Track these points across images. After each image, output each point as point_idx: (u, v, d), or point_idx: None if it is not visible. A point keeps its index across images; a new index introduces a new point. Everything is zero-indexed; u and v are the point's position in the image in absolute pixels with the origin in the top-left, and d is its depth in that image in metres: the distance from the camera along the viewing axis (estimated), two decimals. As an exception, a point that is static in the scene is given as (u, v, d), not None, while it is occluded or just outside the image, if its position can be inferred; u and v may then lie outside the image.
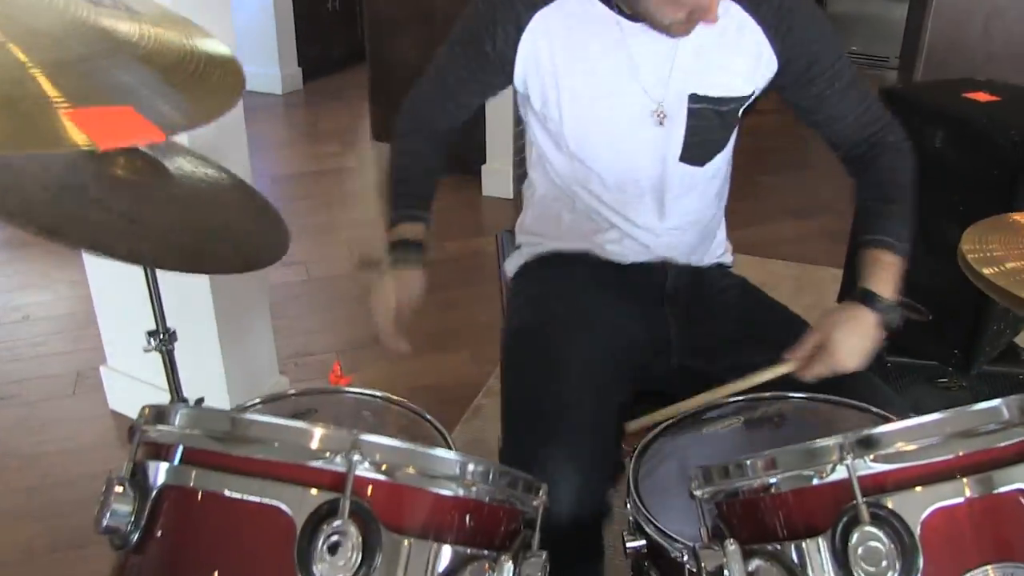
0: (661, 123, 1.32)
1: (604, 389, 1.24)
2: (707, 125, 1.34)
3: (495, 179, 3.83)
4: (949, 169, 2.06)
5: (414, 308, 1.30)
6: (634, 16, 1.25)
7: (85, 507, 1.08)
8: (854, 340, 1.17)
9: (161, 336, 1.44)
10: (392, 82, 4.15)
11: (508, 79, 1.35)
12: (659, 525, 0.87)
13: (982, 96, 2.18)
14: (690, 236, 1.45)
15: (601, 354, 1.28)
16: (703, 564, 0.68)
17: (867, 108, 1.33)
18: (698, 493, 0.75)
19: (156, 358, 1.45)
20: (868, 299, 1.20)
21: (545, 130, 1.41)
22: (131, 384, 2.33)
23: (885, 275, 1.23)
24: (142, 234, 1.15)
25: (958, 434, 0.62)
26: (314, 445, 0.63)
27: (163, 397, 1.08)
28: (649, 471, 1.02)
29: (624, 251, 1.43)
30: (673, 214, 1.40)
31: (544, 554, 0.74)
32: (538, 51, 1.31)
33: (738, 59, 1.29)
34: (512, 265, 1.55)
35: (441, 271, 2.40)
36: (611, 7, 1.26)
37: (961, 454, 0.62)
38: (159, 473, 0.67)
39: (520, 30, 1.29)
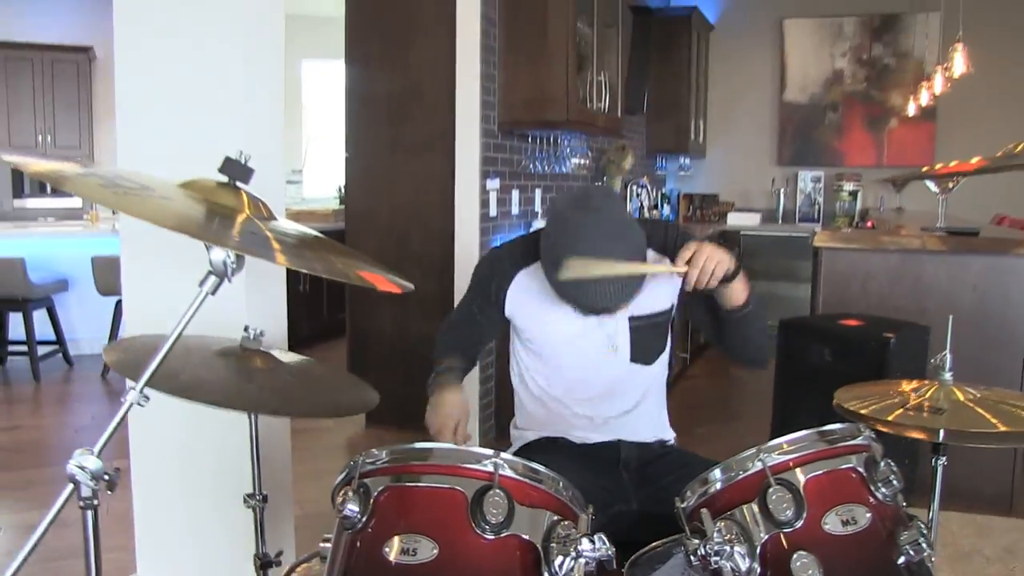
0: (615, 350, 1.91)
1: None
2: (646, 334, 1.93)
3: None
4: (832, 372, 2.69)
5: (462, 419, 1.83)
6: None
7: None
8: (718, 253, 1.67)
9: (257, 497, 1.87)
10: (369, 353, 4.73)
11: (501, 312, 1.95)
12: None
13: (852, 322, 2.90)
14: (638, 421, 1.98)
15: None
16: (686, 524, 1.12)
17: None
18: (682, 505, 1.21)
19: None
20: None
21: (528, 351, 1.98)
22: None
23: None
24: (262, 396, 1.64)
25: (818, 441, 1.12)
26: (472, 456, 1.08)
27: None
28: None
29: (588, 436, 1.96)
30: (619, 401, 1.95)
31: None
32: (519, 299, 1.93)
33: (658, 287, 1.91)
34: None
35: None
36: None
37: (819, 450, 1.11)
38: (377, 482, 1.10)
39: (508, 281, 1.94)
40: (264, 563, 1.88)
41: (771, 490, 1.06)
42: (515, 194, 4.61)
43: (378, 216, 4.64)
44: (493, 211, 4.36)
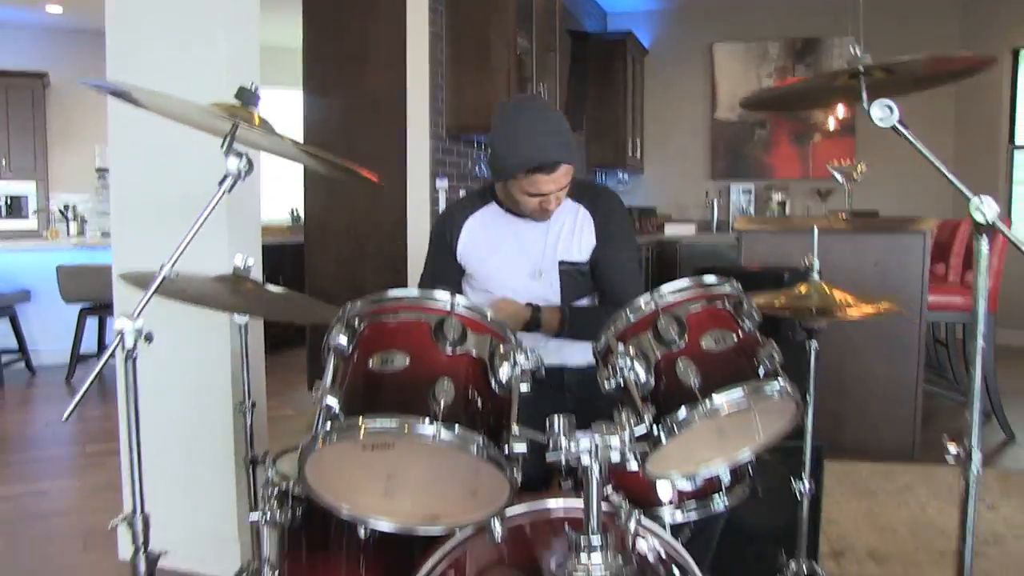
0: (542, 277, 2.26)
1: None
2: (575, 280, 2.28)
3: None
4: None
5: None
6: (517, 214, 2.23)
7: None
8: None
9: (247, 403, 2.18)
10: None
11: (455, 257, 2.30)
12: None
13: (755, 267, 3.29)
14: (573, 349, 2.32)
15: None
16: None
17: (627, 289, 2.20)
18: (598, 346, 1.53)
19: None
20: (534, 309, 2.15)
21: (470, 286, 2.33)
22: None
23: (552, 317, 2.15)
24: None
25: (698, 287, 1.47)
26: (432, 296, 1.40)
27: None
28: None
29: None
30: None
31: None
32: (467, 240, 2.28)
33: (581, 236, 2.27)
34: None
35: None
36: (506, 211, 2.26)
37: (699, 293, 1.46)
38: (361, 321, 1.42)
39: (459, 229, 2.28)
40: (253, 461, 2.18)
41: (661, 320, 1.41)
42: (462, 194, 4.97)
43: (336, 222, 4.97)
44: (442, 208, 4.71)
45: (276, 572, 1.87)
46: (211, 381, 2.73)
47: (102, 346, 6.53)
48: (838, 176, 4.72)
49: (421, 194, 4.61)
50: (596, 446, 1.26)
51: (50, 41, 9.04)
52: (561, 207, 2.24)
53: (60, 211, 9.03)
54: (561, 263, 2.25)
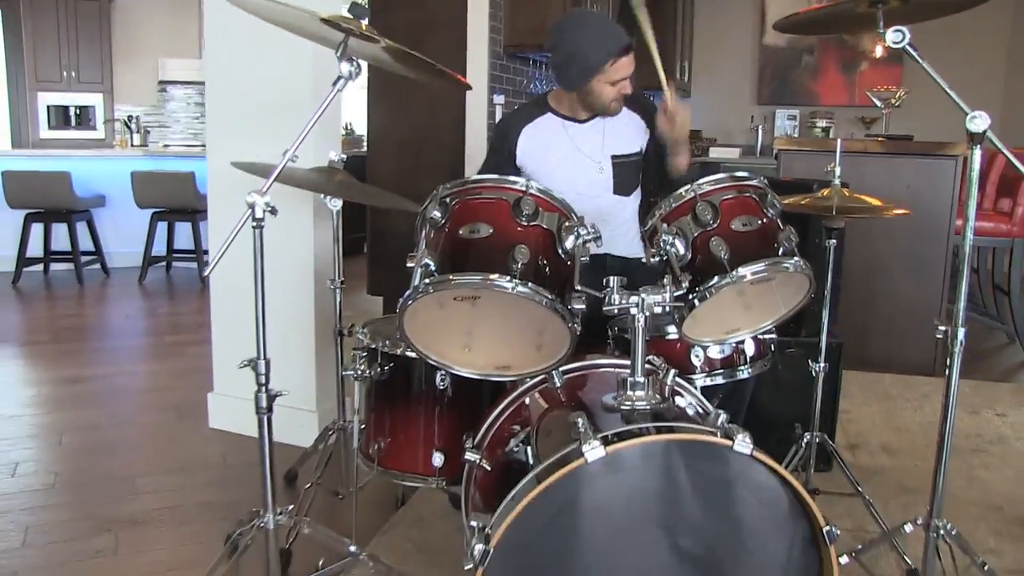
0: (601, 172, 2.54)
1: None
2: (624, 171, 2.56)
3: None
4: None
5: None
6: (577, 120, 2.51)
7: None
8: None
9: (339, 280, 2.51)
10: (386, 265, 5.34)
11: (514, 160, 2.58)
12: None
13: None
14: (620, 240, 2.62)
15: None
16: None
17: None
18: (644, 228, 1.83)
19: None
20: None
21: None
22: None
23: None
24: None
25: (730, 179, 1.75)
26: (511, 180, 1.71)
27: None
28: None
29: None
30: (608, 227, 2.58)
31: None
32: (525, 145, 2.55)
33: (633, 134, 2.54)
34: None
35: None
36: (562, 119, 2.52)
37: (730, 184, 1.74)
38: (453, 198, 1.72)
39: (517, 135, 2.56)
40: (340, 333, 2.52)
41: (699, 205, 1.69)
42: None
43: (396, 135, 5.24)
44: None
45: (363, 423, 2.22)
46: (295, 262, 3.05)
47: (171, 249, 6.93)
48: (877, 102, 4.90)
49: (479, 109, 4.86)
50: (643, 300, 1.55)
51: (116, -44, 9.31)
52: (629, 117, 2.53)
53: (124, 122, 9.43)
54: (614, 156, 2.52)
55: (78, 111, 9.36)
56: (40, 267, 6.76)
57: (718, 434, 1.37)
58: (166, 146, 9.25)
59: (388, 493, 2.68)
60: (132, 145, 8.87)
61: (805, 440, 2.42)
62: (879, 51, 7.79)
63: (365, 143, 5.71)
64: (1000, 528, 2.60)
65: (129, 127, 9.37)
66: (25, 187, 6.24)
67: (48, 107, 9.23)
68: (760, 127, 8.54)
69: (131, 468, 3.00)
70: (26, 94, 9.24)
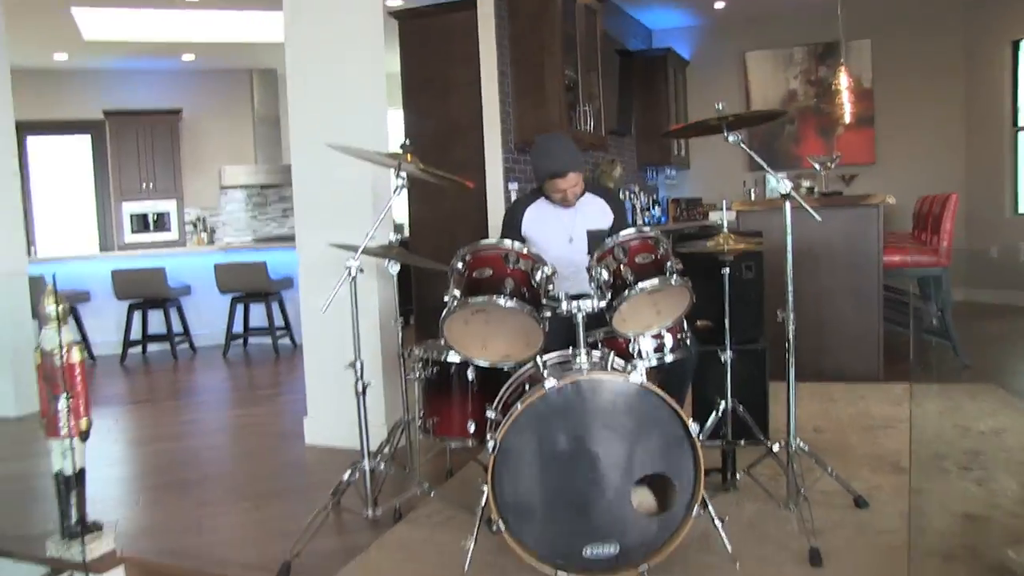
0: (571, 243, 3.68)
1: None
2: (595, 238, 3.70)
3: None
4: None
5: None
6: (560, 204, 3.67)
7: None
8: None
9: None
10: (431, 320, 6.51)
11: (520, 232, 3.74)
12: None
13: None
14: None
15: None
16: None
17: None
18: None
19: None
20: None
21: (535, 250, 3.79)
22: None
23: None
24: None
25: (638, 235, 2.87)
26: (504, 242, 2.85)
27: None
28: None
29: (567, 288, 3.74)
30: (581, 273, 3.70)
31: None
32: (528, 221, 3.72)
33: (602, 217, 3.70)
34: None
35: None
36: (551, 202, 3.67)
37: (640, 236, 2.86)
38: (470, 255, 2.88)
39: (524, 213, 3.73)
40: (401, 355, 3.66)
41: (616, 249, 2.82)
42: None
43: (434, 222, 6.47)
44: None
45: (421, 409, 3.34)
46: (367, 310, 4.18)
47: (247, 328, 8.17)
48: (816, 165, 6.02)
49: (497, 194, 6.07)
50: (579, 306, 2.69)
51: (183, 83, 10.83)
52: (589, 199, 3.69)
53: (192, 223, 10.84)
54: (588, 231, 3.68)
55: (156, 216, 10.78)
56: (139, 348, 8.04)
57: (627, 375, 2.48)
58: (228, 243, 10.61)
59: (440, 467, 3.79)
60: (207, 243, 10.26)
61: (721, 407, 3.48)
62: (847, 117, 8.92)
63: (407, 228, 6.95)
64: (876, 466, 3.63)
65: (196, 227, 10.79)
66: (129, 281, 7.55)
67: (131, 215, 10.66)
68: (752, 190, 9.66)
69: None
70: (111, 204, 10.69)
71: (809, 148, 9.66)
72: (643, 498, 2.66)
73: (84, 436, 3.00)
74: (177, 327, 8.01)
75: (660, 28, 10.15)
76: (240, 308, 8.01)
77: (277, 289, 7.84)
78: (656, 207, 9.46)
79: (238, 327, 8.05)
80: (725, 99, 9.03)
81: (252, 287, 7.70)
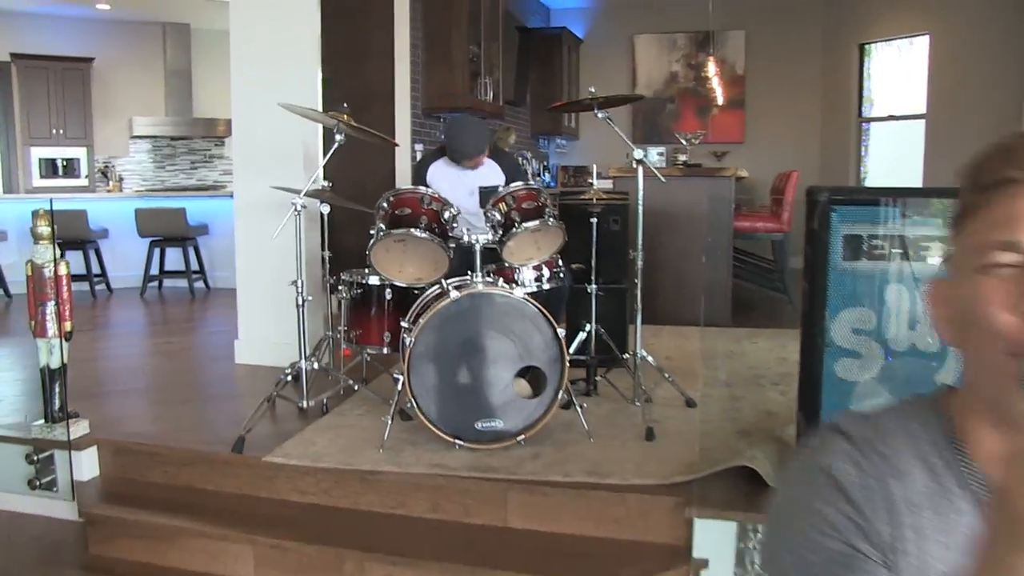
0: (472, 195, 4.49)
1: None
2: (486, 194, 4.49)
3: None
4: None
5: None
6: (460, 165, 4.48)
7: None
8: None
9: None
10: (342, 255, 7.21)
11: (426, 184, 4.51)
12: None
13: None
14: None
15: None
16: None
17: None
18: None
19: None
20: None
21: None
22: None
23: None
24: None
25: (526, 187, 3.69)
26: (420, 188, 3.64)
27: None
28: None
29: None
30: (477, 220, 4.51)
31: None
32: (432, 176, 4.50)
33: (493, 176, 4.51)
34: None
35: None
36: (455, 163, 4.47)
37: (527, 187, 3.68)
38: (393, 198, 3.63)
39: (428, 169, 4.51)
40: (330, 285, 4.40)
41: (507, 196, 3.63)
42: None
43: (350, 174, 7.11)
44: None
45: (346, 324, 4.10)
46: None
47: (162, 271, 8.68)
48: (683, 141, 6.98)
49: (405, 153, 6.80)
50: (477, 239, 3.51)
51: (96, 31, 11.06)
52: (486, 162, 4.48)
53: (101, 171, 11.15)
54: (480, 187, 4.47)
55: (64, 162, 11.03)
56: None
57: (511, 293, 3.32)
58: (148, 190, 10.97)
59: (356, 376, 4.57)
60: (119, 191, 10.63)
61: (588, 328, 4.36)
62: (720, 99, 9.97)
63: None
64: (710, 382, 4.59)
65: (106, 175, 11.11)
66: (152, 219, 8.06)
67: (39, 159, 10.89)
68: (633, 161, 10.61)
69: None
70: (17, 148, 10.88)
71: (687, 125, 10.67)
72: (521, 386, 3.51)
73: (68, 336, 3.64)
74: (96, 269, 8.45)
75: (558, 7, 10.96)
76: (157, 252, 8.50)
77: (194, 235, 8.38)
78: (547, 173, 10.34)
79: (154, 270, 8.55)
80: (614, 77, 10.00)
81: (171, 232, 8.23)
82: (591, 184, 10.51)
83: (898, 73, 9.20)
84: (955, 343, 0.84)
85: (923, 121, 8.62)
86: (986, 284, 0.79)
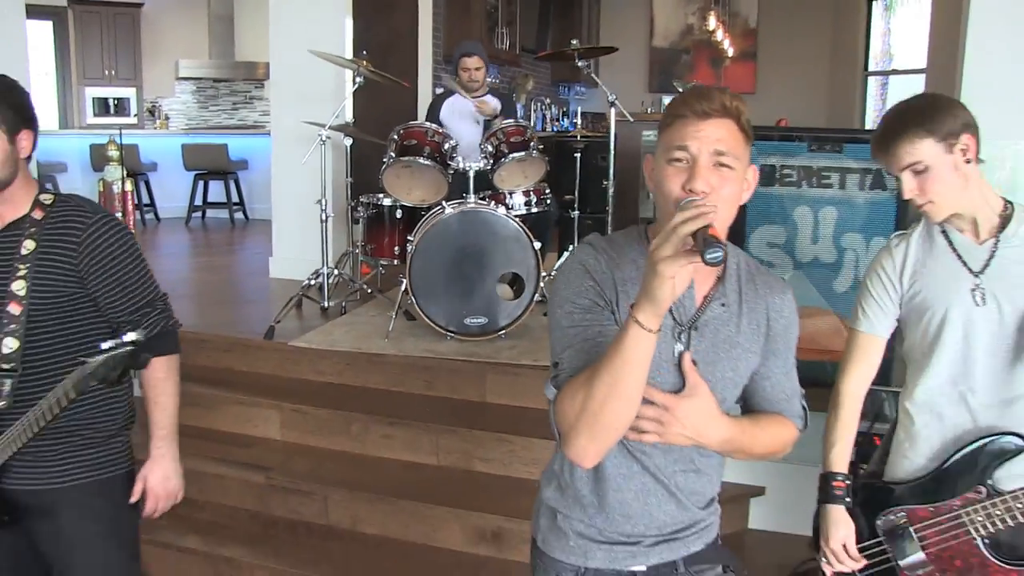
0: (476, 124, 5.14)
1: None
2: (488, 123, 5.17)
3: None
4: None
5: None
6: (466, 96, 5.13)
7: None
8: None
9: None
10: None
11: (439, 117, 5.18)
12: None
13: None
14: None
15: None
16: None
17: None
18: None
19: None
20: None
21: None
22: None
23: None
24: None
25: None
26: (427, 123, 4.32)
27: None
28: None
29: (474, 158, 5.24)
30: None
31: None
32: (445, 110, 5.17)
33: (494, 105, 5.16)
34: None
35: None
36: (460, 96, 5.12)
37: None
38: (402, 130, 4.32)
39: (441, 105, 5.18)
40: (351, 206, 5.12)
41: (499, 130, 4.30)
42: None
43: (373, 115, 7.81)
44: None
45: (364, 240, 4.82)
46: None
47: (206, 202, 9.46)
48: (680, 90, 7.55)
49: (426, 93, 7.46)
50: (471, 166, 4.19)
51: (145, -23, 11.77)
52: (489, 98, 5.13)
53: (148, 110, 11.92)
54: (485, 119, 5.13)
55: (116, 101, 11.81)
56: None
57: (496, 211, 4.01)
58: (192, 127, 11.73)
59: (373, 283, 5.30)
60: (166, 128, 11.41)
61: (570, 247, 5.03)
62: (731, 51, 10.46)
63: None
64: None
65: (153, 113, 11.88)
66: (197, 154, 8.92)
67: (93, 98, 11.68)
68: (649, 109, 11.19)
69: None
70: (73, 87, 11.67)
71: (700, 76, 11.18)
72: (504, 290, 4.21)
73: (131, 241, 4.39)
74: (145, 199, 9.25)
75: (581, -41, 11.46)
76: (201, 185, 9.27)
77: (235, 169, 9.13)
78: (565, 118, 10.93)
79: (198, 201, 9.33)
80: (632, 28, 10.54)
81: (214, 166, 8.99)
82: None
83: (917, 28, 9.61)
84: (653, 191, 1.52)
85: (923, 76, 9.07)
86: (668, 168, 1.43)
